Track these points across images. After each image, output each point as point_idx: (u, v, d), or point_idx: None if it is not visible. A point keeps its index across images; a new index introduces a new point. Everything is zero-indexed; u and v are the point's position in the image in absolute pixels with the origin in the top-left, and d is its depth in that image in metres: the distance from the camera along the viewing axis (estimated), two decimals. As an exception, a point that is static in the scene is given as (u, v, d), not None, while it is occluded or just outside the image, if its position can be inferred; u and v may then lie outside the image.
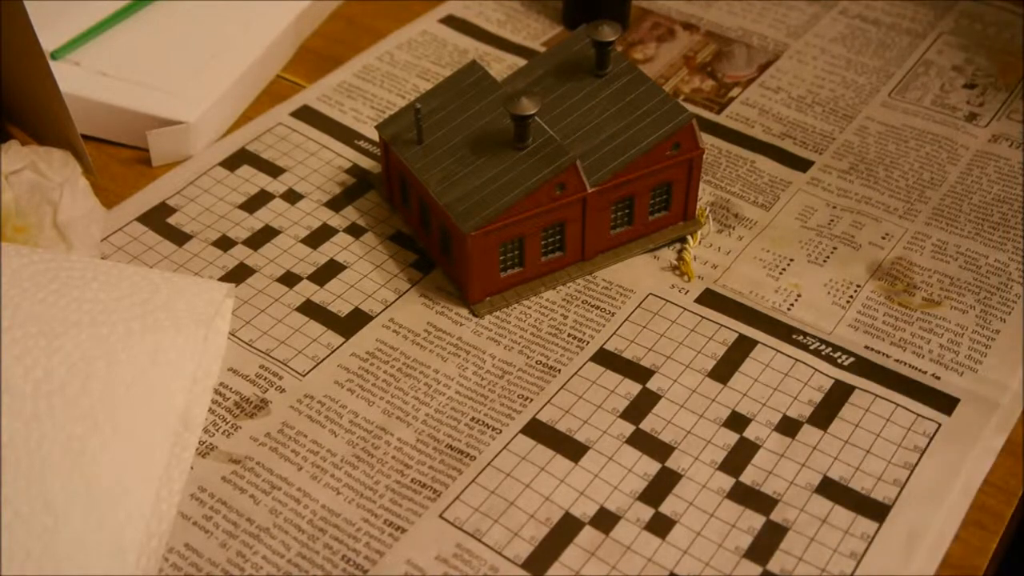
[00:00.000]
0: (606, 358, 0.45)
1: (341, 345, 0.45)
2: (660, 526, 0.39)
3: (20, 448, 0.36)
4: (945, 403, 0.43)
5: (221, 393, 0.43)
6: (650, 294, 0.47)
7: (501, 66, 0.60)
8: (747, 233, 0.51)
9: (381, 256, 0.49)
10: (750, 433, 0.42)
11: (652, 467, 0.41)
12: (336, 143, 0.55)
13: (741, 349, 0.45)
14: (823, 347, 0.45)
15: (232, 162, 0.54)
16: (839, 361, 0.45)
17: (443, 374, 0.44)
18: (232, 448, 0.41)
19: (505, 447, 0.41)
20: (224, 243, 0.49)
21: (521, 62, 0.60)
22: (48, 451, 0.36)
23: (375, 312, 0.47)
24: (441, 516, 0.39)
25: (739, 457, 0.41)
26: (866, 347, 0.45)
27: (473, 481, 0.40)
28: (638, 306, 0.47)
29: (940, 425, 0.42)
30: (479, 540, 0.38)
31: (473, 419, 0.42)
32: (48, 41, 0.55)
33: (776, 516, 0.39)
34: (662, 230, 0.49)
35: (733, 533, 0.39)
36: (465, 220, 0.44)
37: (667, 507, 0.39)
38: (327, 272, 0.48)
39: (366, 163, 0.54)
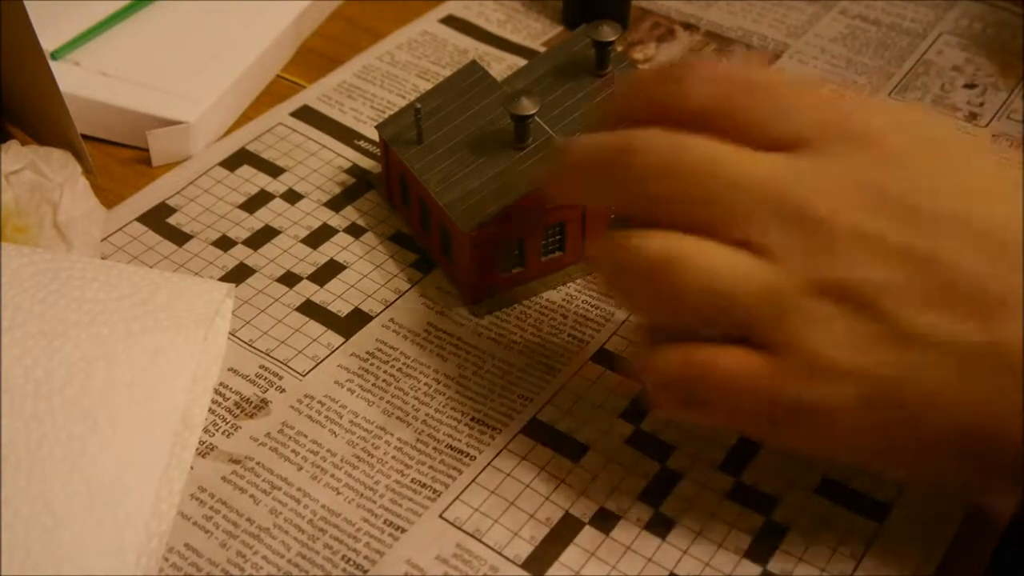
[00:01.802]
0: (606, 358, 0.45)
1: (341, 345, 0.45)
2: (660, 526, 0.39)
3: (20, 448, 0.36)
4: (945, 403, 0.43)
5: (221, 393, 0.43)
6: (650, 294, 0.47)
7: (501, 66, 0.60)
8: (747, 233, 0.50)
9: (381, 256, 0.49)
10: (750, 433, 0.42)
11: (652, 467, 0.41)
12: (336, 143, 0.55)
13: (741, 349, 0.45)
14: (823, 347, 0.45)
15: (232, 162, 0.54)
16: (839, 361, 0.45)
17: (443, 374, 0.44)
18: (232, 448, 0.41)
19: (505, 447, 0.41)
20: (224, 243, 0.49)
21: (521, 62, 0.60)
22: (48, 451, 0.36)
23: (375, 312, 0.47)
24: (441, 516, 0.39)
25: (739, 457, 0.41)
26: (866, 347, 0.45)
27: (473, 481, 0.40)
28: (638, 306, 0.47)
29: (940, 425, 0.42)
30: (479, 540, 0.38)
31: (473, 419, 0.42)
32: (48, 41, 0.55)
33: (776, 516, 0.39)
34: None
35: (733, 533, 0.39)
36: (465, 220, 0.44)
37: (667, 507, 0.39)
38: (327, 272, 0.48)
39: (366, 163, 0.54)
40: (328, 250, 0.49)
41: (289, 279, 0.48)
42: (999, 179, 0.34)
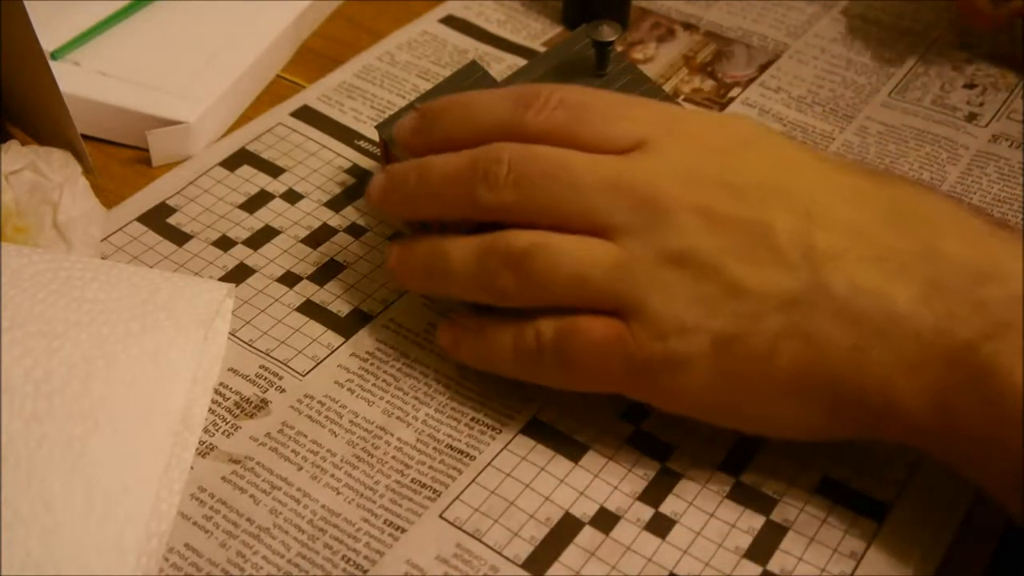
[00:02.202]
0: (606, 358, 0.45)
1: (341, 345, 0.45)
2: (660, 526, 0.39)
3: (20, 448, 0.36)
4: (945, 403, 0.43)
5: (221, 393, 0.43)
6: (650, 294, 0.47)
7: (501, 66, 0.60)
8: (747, 233, 0.51)
9: (381, 256, 0.49)
10: (750, 433, 0.42)
11: (652, 467, 0.41)
12: (336, 143, 0.55)
13: (741, 349, 0.45)
14: (823, 347, 0.45)
15: (232, 162, 0.54)
16: (839, 361, 0.45)
17: (443, 374, 0.44)
18: (232, 448, 0.41)
19: (505, 447, 0.41)
20: (224, 243, 0.49)
21: (521, 62, 0.60)
22: (48, 451, 0.36)
23: (375, 312, 0.47)
24: (441, 516, 0.39)
25: (739, 457, 0.41)
26: (866, 347, 0.45)
27: (473, 481, 0.40)
28: (638, 306, 0.47)
29: (940, 425, 0.42)
30: (479, 540, 0.38)
31: (473, 419, 0.42)
32: (48, 41, 0.55)
33: (776, 516, 0.39)
34: None
35: (733, 533, 0.39)
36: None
37: (667, 507, 0.39)
38: (327, 272, 0.48)
39: (366, 163, 0.54)
40: (328, 250, 0.49)
41: (289, 279, 0.48)
42: (800, 158, 0.40)
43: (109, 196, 0.51)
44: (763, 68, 0.61)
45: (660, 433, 0.42)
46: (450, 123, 0.43)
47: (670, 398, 0.39)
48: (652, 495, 0.40)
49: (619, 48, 0.61)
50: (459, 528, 0.39)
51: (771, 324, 0.36)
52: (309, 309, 0.47)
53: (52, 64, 0.48)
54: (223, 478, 0.40)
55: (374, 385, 0.44)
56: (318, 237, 0.50)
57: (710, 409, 0.39)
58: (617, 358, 0.38)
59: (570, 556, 0.38)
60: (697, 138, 0.39)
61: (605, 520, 0.39)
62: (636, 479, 0.40)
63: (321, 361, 0.44)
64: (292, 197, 0.52)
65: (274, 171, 0.53)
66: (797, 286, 0.36)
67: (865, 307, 0.35)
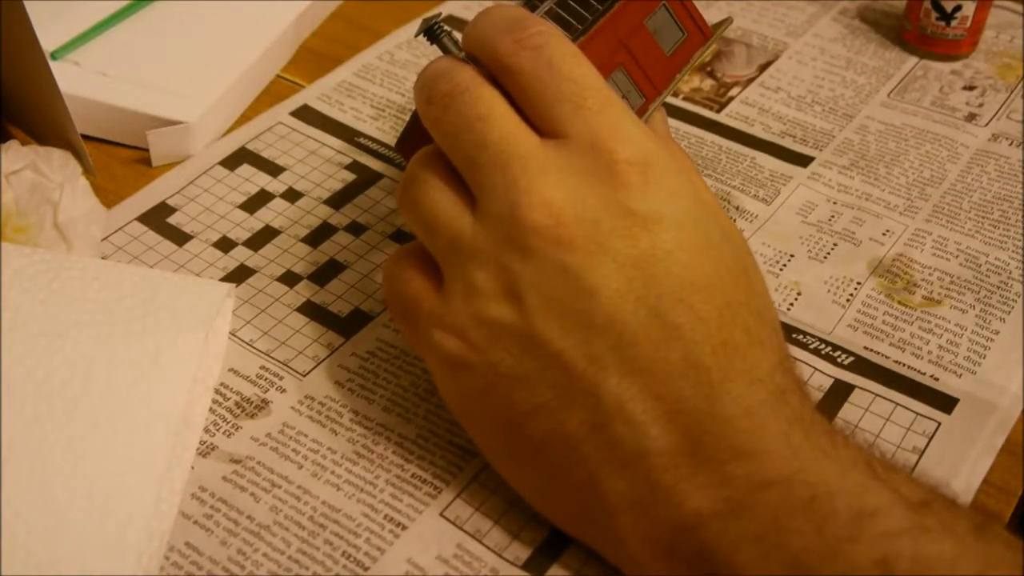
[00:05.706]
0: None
1: (342, 345, 0.45)
2: (660, 525, 0.39)
3: (20, 448, 0.36)
4: (944, 403, 0.43)
5: (222, 393, 0.43)
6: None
7: (501, 66, 0.60)
8: (748, 226, 0.51)
9: (381, 255, 0.49)
10: (750, 432, 0.42)
11: (652, 466, 0.41)
12: (336, 140, 0.55)
13: (741, 348, 0.45)
14: (823, 346, 0.45)
15: (232, 161, 0.54)
16: (839, 360, 0.45)
17: (443, 373, 0.44)
18: (233, 448, 0.41)
19: (505, 446, 0.41)
20: (224, 243, 0.49)
21: (521, 62, 0.60)
22: (48, 451, 0.36)
23: (375, 312, 0.47)
24: (442, 515, 0.39)
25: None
26: (865, 347, 0.45)
27: (474, 479, 0.40)
28: (638, 305, 0.47)
29: (940, 424, 0.42)
30: (479, 541, 0.38)
31: (473, 418, 0.42)
32: (48, 41, 0.55)
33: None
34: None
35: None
36: None
37: (667, 506, 0.39)
38: (327, 272, 0.48)
39: (366, 160, 0.54)
40: (328, 249, 0.49)
41: (289, 279, 0.48)
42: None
43: (109, 196, 0.51)
44: (763, 68, 0.61)
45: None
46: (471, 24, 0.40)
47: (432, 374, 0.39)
48: (652, 494, 0.40)
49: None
50: (460, 528, 0.39)
51: (540, 393, 0.35)
52: (309, 309, 0.47)
53: (52, 64, 0.48)
54: (224, 477, 0.40)
55: (375, 384, 0.44)
56: (318, 236, 0.50)
57: (454, 412, 0.39)
58: (412, 318, 0.38)
59: (570, 558, 0.38)
60: (614, 173, 0.35)
61: (605, 519, 0.39)
62: (636, 478, 0.40)
63: (322, 361, 0.44)
64: (292, 196, 0.52)
65: (274, 170, 0.53)
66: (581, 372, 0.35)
67: (622, 433, 0.34)
